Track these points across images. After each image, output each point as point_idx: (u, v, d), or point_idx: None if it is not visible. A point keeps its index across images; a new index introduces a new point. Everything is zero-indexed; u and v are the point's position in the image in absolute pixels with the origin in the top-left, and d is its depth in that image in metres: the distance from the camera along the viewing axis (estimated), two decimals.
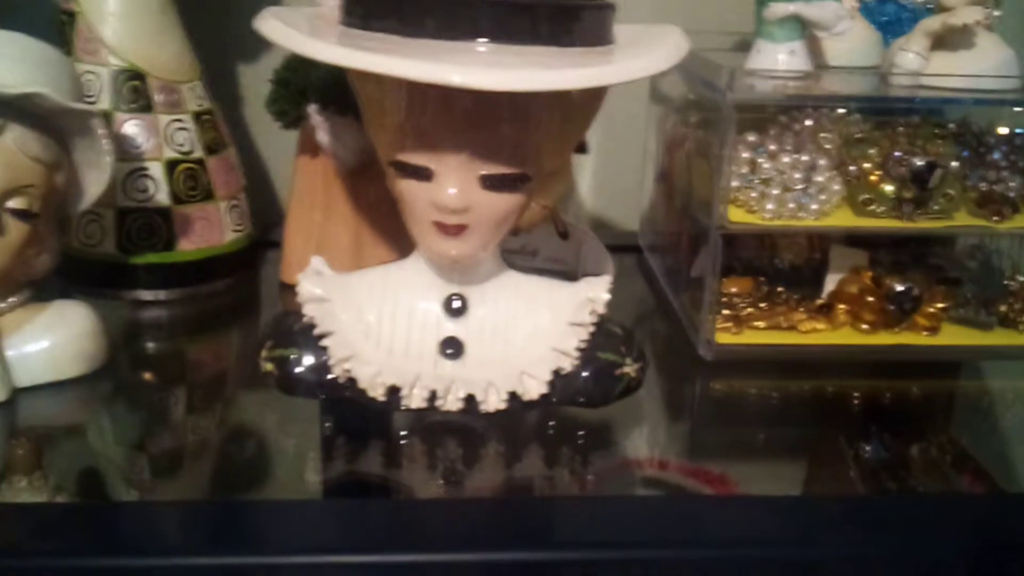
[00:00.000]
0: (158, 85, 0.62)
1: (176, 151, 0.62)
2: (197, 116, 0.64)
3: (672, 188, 0.68)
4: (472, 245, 0.46)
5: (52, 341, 0.50)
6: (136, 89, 0.61)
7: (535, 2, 0.44)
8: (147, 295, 0.63)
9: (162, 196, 0.62)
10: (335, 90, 0.58)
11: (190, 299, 0.64)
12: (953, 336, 0.58)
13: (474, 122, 0.43)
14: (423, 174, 0.44)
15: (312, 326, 0.48)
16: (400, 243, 0.67)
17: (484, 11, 0.42)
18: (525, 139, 0.44)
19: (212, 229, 0.64)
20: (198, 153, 0.64)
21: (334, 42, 0.41)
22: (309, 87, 0.59)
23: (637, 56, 0.43)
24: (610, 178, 0.86)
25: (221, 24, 0.77)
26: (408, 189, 0.45)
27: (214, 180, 0.65)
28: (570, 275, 0.68)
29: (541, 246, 0.69)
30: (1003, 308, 0.59)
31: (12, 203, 0.47)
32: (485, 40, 0.41)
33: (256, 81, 0.78)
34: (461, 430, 0.48)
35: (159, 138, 0.62)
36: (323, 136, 0.62)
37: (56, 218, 0.52)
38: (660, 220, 0.73)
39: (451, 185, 0.43)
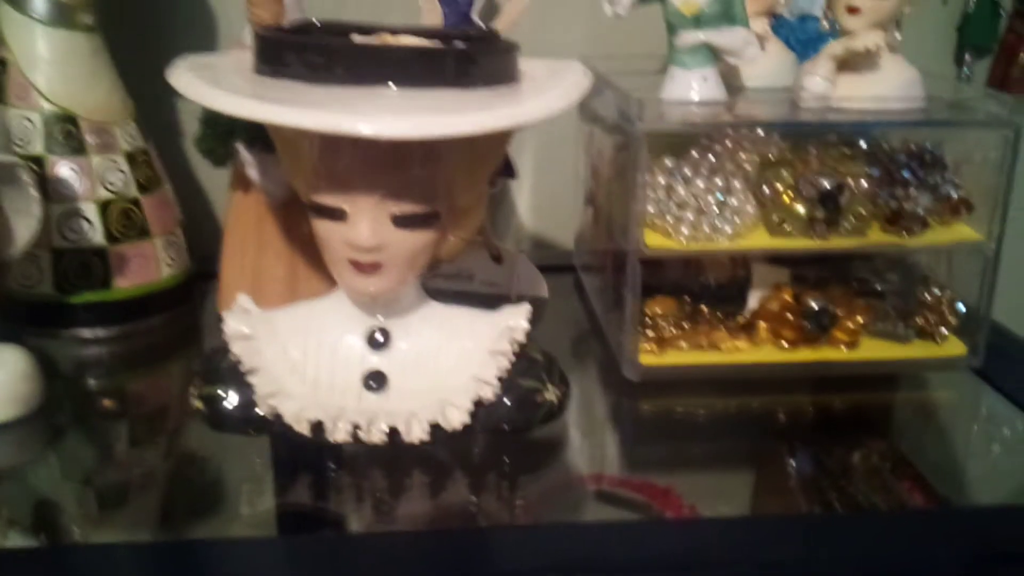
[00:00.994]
0: (90, 127, 0.64)
1: (110, 191, 0.65)
2: (130, 156, 0.67)
3: (598, 210, 0.71)
4: (388, 281, 0.49)
5: None
6: (69, 132, 0.64)
7: (439, 48, 0.47)
8: (86, 333, 0.65)
9: (97, 236, 0.64)
10: (261, 127, 0.61)
11: (129, 335, 0.67)
12: (872, 350, 0.61)
13: (384, 164, 0.45)
14: (337, 214, 0.47)
15: (239, 363, 0.51)
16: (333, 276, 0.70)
17: (389, 58, 0.45)
18: (435, 178, 0.47)
19: (148, 266, 0.67)
20: (132, 192, 0.66)
21: (242, 92, 0.44)
22: (236, 125, 0.62)
23: (535, 97, 0.46)
24: (546, 197, 0.89)
25: (154, 59, 0.80)
26: (324, 229, 0.48)
27: (149, 217, 0.67)
28: (504, 297, 0.72)
29: (476, 269, 0.72)
30: (920, 321, 0.62)
31: None
32: (392, 85, 0.44)
33: (191, 114, 0.81)
34: (389, 461, 0.51)
35: (92, 179, 0.64)
36: (252, 172, 0.64)
37: None
38: (589, 241, 0.76)
39: (364, 225, 0.46)
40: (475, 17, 0.70)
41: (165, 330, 0.69)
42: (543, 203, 0.91)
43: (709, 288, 0.66)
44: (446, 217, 0.48)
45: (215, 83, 0.45)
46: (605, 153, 0.69)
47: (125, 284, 0.66)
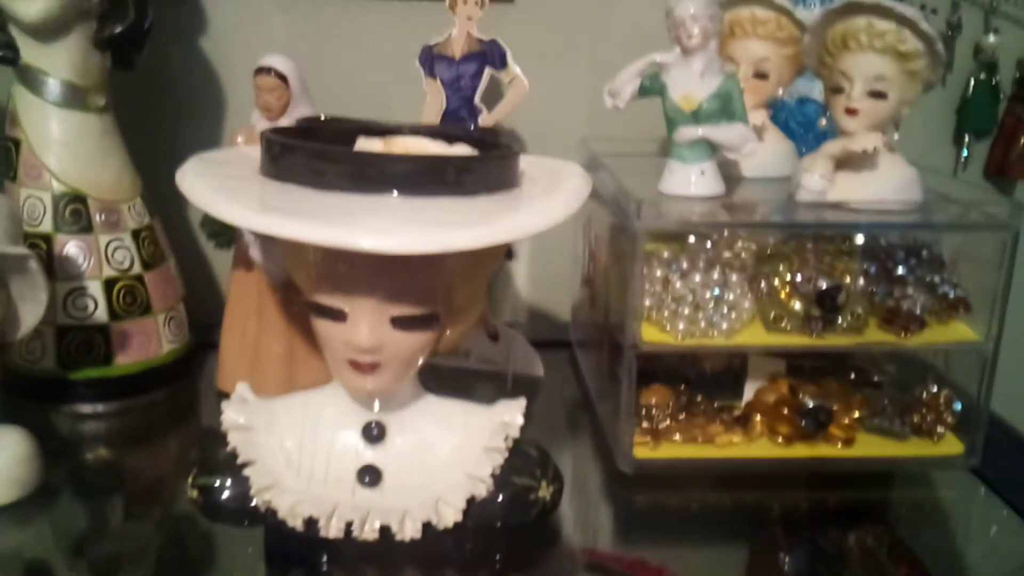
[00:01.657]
0: (98, 206, 0.67)
1: (115, 269, 0.67)
2: (136, 233, 0.69)
3: (595, 295, 0.73)
4: (385, 380, 0.50)
5: None
6: (77, 212, 0.66)
7: (441, 158, 0.50)
8: (86, 408, 0.67)
9: (101, 313, 0.66)
10: None
11: (128, 411, 0.68)
12: (869, 447, 0.62)
13: (384, 268, 0.47)
14: (337, 315, 0.48)
15: (235, 454, 0.53)
16: None
17: (393, 167, 0.47)
18: (433, 282, 0.49)
19: (149, 342, 0.69)
20: (136, 269, 0.68)
21: (246, 201, 0.46)
22: None
23: (537, 208, 0.48)
24: (543, 271, 0.92)
25: (162, 135, 0.84)
26: (324, 328, 0.50)
27: (152, 294, 0.69)
28: (500, 375, 0.73)
29: (473, 347, 0.74)
30: (916, 418, 0.63)
31: None
32: (395, 193, 0.46)
33: None
34: (381, 555, 0.52)
35: (99, 257, 0.66)
36: (255, 253, 0.67)
37: None
38: (585, 322, 0.78)
39: (363, 326, 0.48)
40: (478, 102, 0.73)
41: (164, 404, 0.70)
42: (540, 277, 0.93)
43: (704, 376, 0.67)
44: (445, 317, 0.50)
45: (220, 190, 0.47)
46: (602, 235, 0.71)
47: (126, 360, 0.68)
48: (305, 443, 0.53)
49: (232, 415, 0.53)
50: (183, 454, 0.66)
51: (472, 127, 0.72)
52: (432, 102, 0.73)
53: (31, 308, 0.57)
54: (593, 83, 0.85)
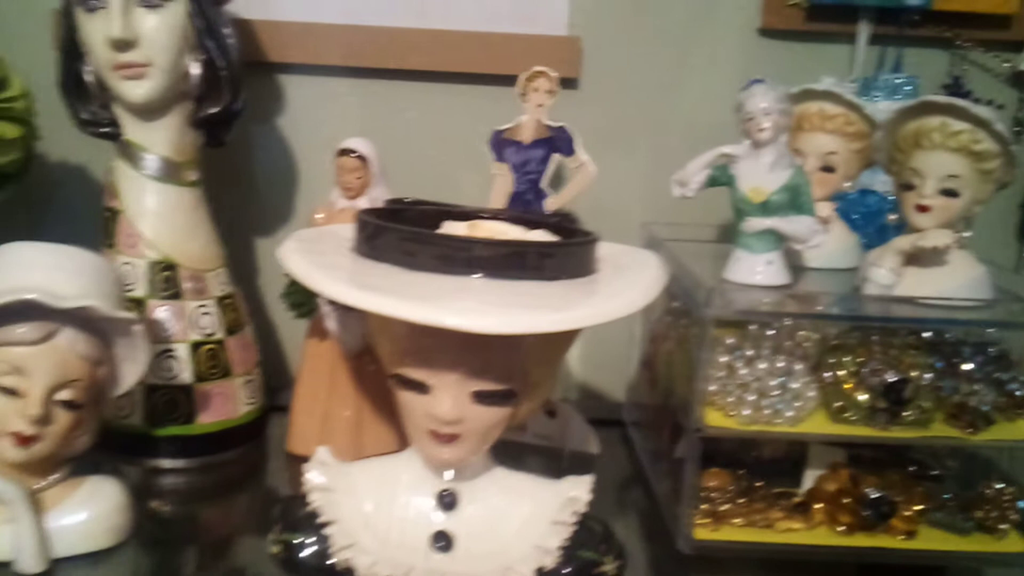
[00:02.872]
0: (187, 274, 0.74)
1: (200, 334, 0.74)
2: (220, 300, 0.76)
3: (655, 377, 0.77)
4: (464, 451, 0.55)
5: (88, 515, 0.60)
6: (168, 279, 0.73)
7: (525, 243, 0.55)
8: (168, 463, 0.73)
9: (186, 375, 0.73)
10: None
11: (206, 468, 0.74)
12: (930, 540, 0.65)
13: (468, 346, 0.52)
14: (421, 388, 0.54)
15: (316, 514, 0.58)
16: (397, 419, 0.76)
17: (479, 251, 0.53)
18: (513, 360, 0.54)
19: (228, 403, 0.75)
20: (219, 335, 0.75)
21: (344, 278, 0.53)
22: None
23: (613, 297, 0.53)
24: (597, 351, 0.95)
25: (245, 210, 0.92)
26: (406, 399, 0.55)
27: (232, 358, 0.75)
28: (556, 450, 0.78)
29: (530, 422, 0.79)
30: (979, 514, 0.66)
31: (61, 395, 0.58)
32: (480, 275, 0.52)
33: (270, 261, 0.92)
34: None
35: (185, 322, 0.73)
36: (331, 324, 0.73)
37: (96, 404, 0.62)
38: (644, 403, 0.82)
39: (446, 399, 0.53)
40: (544, 185, 0.79)
41: (238, 463, 0.76)
42: (593, 357, 0.98)
43: (762, 462, 0.71)
44: (521, 394, 0.55)
45: (320, 266, 0.53)
46: (663, 319, 0.76)
47: (207, 420, 0.74)
48: (382, 506, 0.58)
49: (314, 477, 0.58)
50: (256, 509, 0.72)
51: (546, 212, 0.78)
52: (500, 185, 0.79)
53: (131, 368, 0.63)
54: (652, 170, 0.93)
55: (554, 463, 0.77)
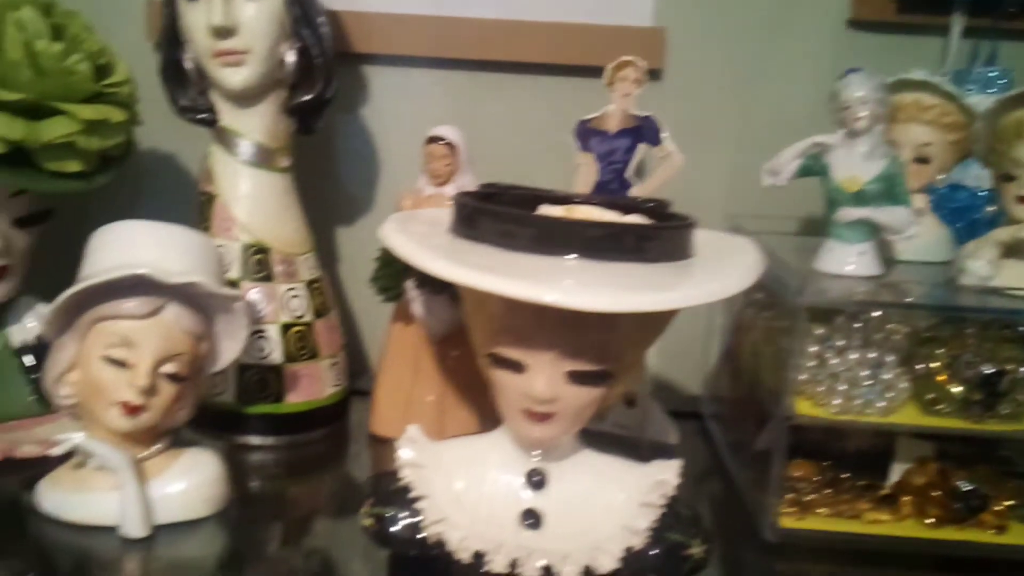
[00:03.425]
0: (278, 258, 0.76)
1: (290, 316, 0.76)
2: (309, 284, 0.78)
3: (739, 369, 0.78)
4: (556, 431, 0.56)
5: (188, 484, 0.63)
6: (261, 262, 0.76)
7: (626, 225, 0.56)
8: (256, 440, 0.76)
9: (276, 355, 0.75)
10: None
11: (292, 446, 0.77)
12: (1021, 535, 0.65)
13: (564, 324, 0.53)
14: (516, 367, 0.55)
15: (408, 488, 0.60)
16: (479, 405, 0.79)
17: (576, 232, 0.54)
18: (609, 341, 0.55)
19: (315, 384, 0.78)
20: (308, 317, 0.77)
21: (447, 256, 0.54)
22: (409, 268, 0.73)
23: (712, 279, 0.54)
24: (673, 343, 0.94)
25: (331, 196, 0.94)
26: (501, 378, 0.56)
27: (319, 341, 0.78)
28: (635, 440, 0.79)
29: (609, 412, 0.80)
30: None
31: (166, 368, 0.60)
32: (578, 256, 0.53)
33: (356, 248, 0.95)
34: None
35: (277, 304, 0.76)
36: (418, 308, 0.75)
37: (196, 379, 0.65)
38: (725, 395, 0.82)
39: (541, 378, 0.54)
40: (629, 175, 0.80)
41: (323, 443, 0.79)
42: (669, 348, 0.97)
43: (847, 454, 0.71)
44: (616, 375, 0.56)
45: (424, 246, 0.55)
46: (747, 311, 0.77)
47: (295, 400, 0.76)
48: (471, 484, 0.59)
49: (406, 453, 0.60)
50: (341, 487, 0.74)
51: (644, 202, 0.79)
52: (584, 175, 0.80)
53: (230, 345, 0.66)
54: (736, 162, 0.94)
55: (633, 453, 0.77)
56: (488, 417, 0.79)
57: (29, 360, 0.75)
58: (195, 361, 0.63)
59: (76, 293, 0.58)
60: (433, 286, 0.72)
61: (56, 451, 0.61)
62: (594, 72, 0.78)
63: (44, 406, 0.73)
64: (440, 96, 0.94)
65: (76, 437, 0.61)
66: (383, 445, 0.78)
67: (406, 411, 0.77)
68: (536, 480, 0.59)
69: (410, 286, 0.73)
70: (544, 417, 0.56)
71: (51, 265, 0.75)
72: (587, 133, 0.81)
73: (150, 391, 0.60)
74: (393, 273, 0.73)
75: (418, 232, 0.59)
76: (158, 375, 0.60)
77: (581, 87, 0.88)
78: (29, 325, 0.75)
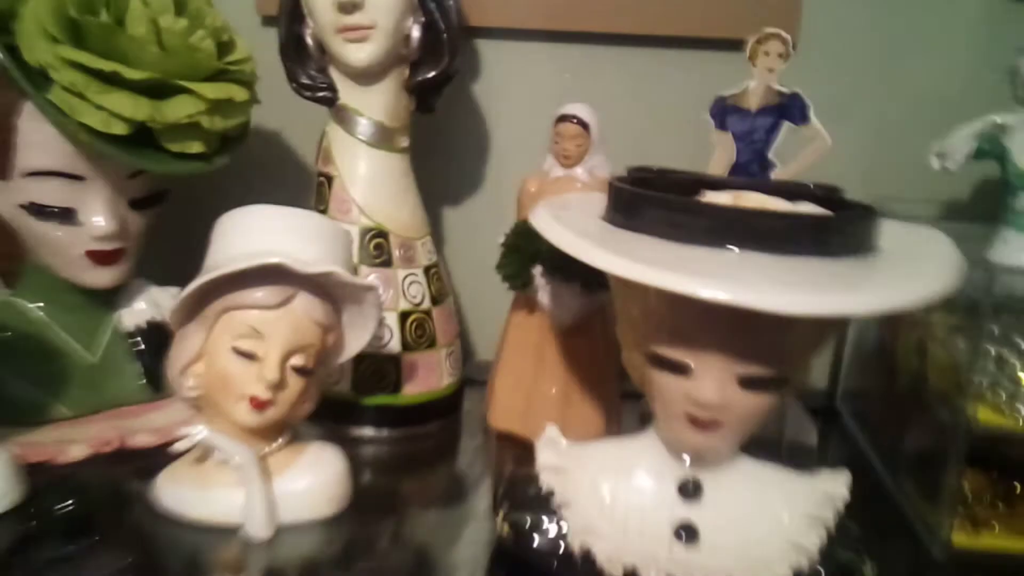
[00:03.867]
0: (398, 242, 0.72)
1: (409, 303, 0.72)
2: (427, 270, 0.74)
3: (894, 367, 0.71)
4: (721, 440, 0.51)
5: (313, 482, 0.59)
6: (380, 246, 0.71)
7: (813, 217, 0.50)
8: (372, 433, 0.72)
9: (394, 344, 0.71)
10: (562, 258, 0.66)
11: (409, 438, 0.73)
12: None
13: (735, 323, 0.48)
14: (680, 368, 0.50)
15: (549, 495, 0.55)
16: (603, 398, 0.74)
17: (757, 223, 0.47)
18: (784, 343, 0.49)
19: (432, 375, 0.73)
20: (426, 304, 0.73)
21: (610, 248, 0.49)
22: (539, 254, 0.67)
23: (912, 278, 0.46)
24: None
25: (447, 180, 0.89)
26: (662, 380, 0.51)
27: (437, 329, 0.74)
28: (773, 441, 0.73)
29: None
30: None
31: (294, 361, 0.57)
32: (754, 250, 0.47)
33: (459, 231, 0.90)
34: None
35: (396, 290, 0.71)
36: (544, 297, 0.70)
37: (321, 371, 0.61)
38: (872, 393, 0.76)
39: (709, 382, 0.49)
40: (771, 156, 0.74)
41: (439, 435, 0.74)
42: None
43: (1017, 463, 0.64)
44: (790, 380, 0.51)
45: (584, 236, 0.50)
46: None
47: (412, 391, 0.72)
48: (619, 492, 0.55)
49: (547, 456, 0.56)
50: (460, 482, 0.69)
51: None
52: (721, 155, 0.74)
53: (357, 336, 0.62)
54: (873, 142, 0.86)
55: (771, 454, 0.72)
56: (612, 412, 0.74)
57: (140, 344, 0.72)
58: (322, 353, 0.59)
59: (208, 282, 0.54)
60: (564, 274, 0.66)
61: (180, 446, 0.57)
62: (722, 46, 0.72)
63: (154, 391, 0.71)
64: (555, 72, 0.87)
65: (201, 431, 0.57)
66: (502, 439, 0.74)
67: (527, 404, 0.73)
68: (690, 490, 0.54)
69: (538, 273, 0.68)
70: (709, 425, 0.50)
71: (157, 248, 0.73)
72: (725, 111, 0.74)
73: (279, 385, 0.56)
74: (521, 260, 0.68)
75: (572, 220, 0.53)
76: (286, 368, 0.56)
77: (708, 60, 0.81)
78: (140, 309, 0.73)
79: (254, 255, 0.55)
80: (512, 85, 0.88)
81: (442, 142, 0.90)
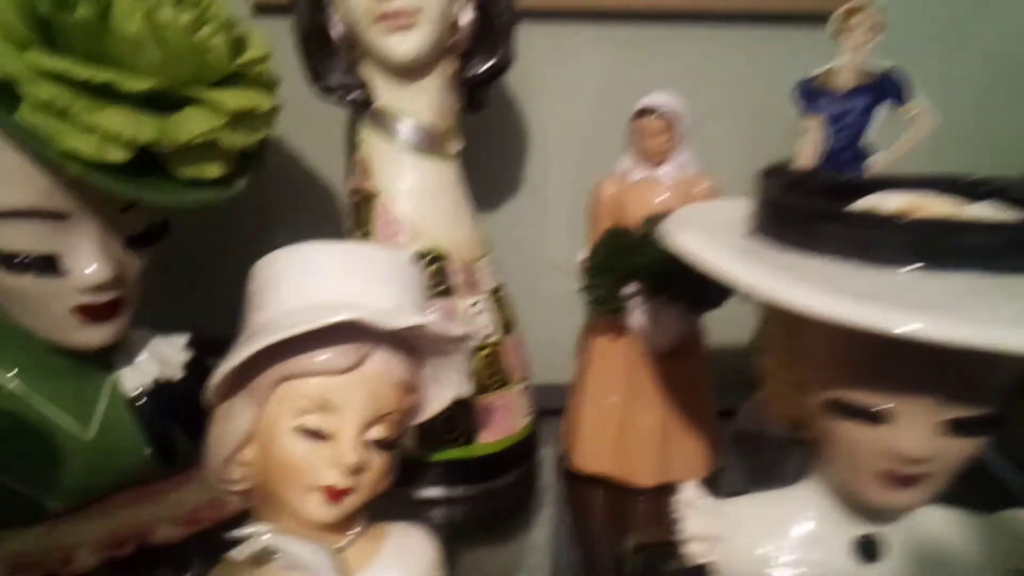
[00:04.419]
0: (457, 266, 0.60)
1: (477, 336, 0.60)
2: (493, 293, 0.62)
3: None
4: (922, 496, 0.41)
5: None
6: (437, 272, 0.60)
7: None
8: (442, 492, 0.61)
9: None
10: (668, 276, 0.56)
11: (487, 495, 0.61)
12: None
13: (944, 359, 0.38)
14: (876, 417, 0.40)
15: (696, 569, 0.45)
16: (706, 427, 0.64)
17: (979, 237, 0.37)
18: (994, 376, 0.40)
19: (508, 416, 0.62)
20: (496, 335, 0.62)
21: (756, 265, 0.38)
22: (634, 272, 0.56)
23: None
24: None
25: (500, 189, 0.78)
26: (848, 431, 0.41)
27: (510, 362, 0.62)
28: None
29: None
30: None
31: (373, 433, 0.44)
32: (975, 271, 0.37)
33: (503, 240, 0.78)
34: None
35: (460, 323, 0.59)
36: (639, 319, 0.59)
37: (402, 438, 0.49)
38: None
39: (914, 431, 0.39)
40: (868, 141, 0.64)
41: (518, 486, 0.63)
42: None
43: None
44: (1002, 417, 0.41)
45: (740, 257, 0.39)
46: None
47: (488, 438, 0.61)
48: (781, 555, 0.45)
49: (696, 523, 0.45)
50: (559, 545, 0.58)
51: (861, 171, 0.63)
52: (809, 143, 0.64)
53: (439, 392, 0.49)
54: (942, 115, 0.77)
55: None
56: (715, 440, 0.64)
57: (145, 410, 0.58)
58: (404, 418, 0.47)
59: (260, 349, 0.42)
60: (669, 294, 0.56)
61: (236, 555, 0.45)
62: (796, 19, 0.62)
63: (167, 466, 0.58)
64: (597, 55, 0.76)
65: (264, 534, 0.44)
66: (591, 484, 0.63)
67: (619, 441, 0.62)
68: (868, 549, 0.44)
69: (630, 293, 0.57)
70: (911, 480, 0.41)
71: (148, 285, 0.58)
72: (813, 93, 0.64)
73: (358, 467, 0.44)
74: (614, 282, 0.56)
75: (716, 238, 0.42)
76: (366, 444, 0.44)
77: (783, 39, 0.70)
78: (143, 367, 0.58)
79: (318, 309, 0.43)
80: (552, 71, 0.76)
81: (475, 140, 0.78)
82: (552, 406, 0.69)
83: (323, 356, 0.43)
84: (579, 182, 0.68)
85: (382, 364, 0.45)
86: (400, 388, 0.46)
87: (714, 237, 0.42)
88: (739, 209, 0.46)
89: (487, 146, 0.77)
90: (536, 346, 0.67)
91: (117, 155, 0.47)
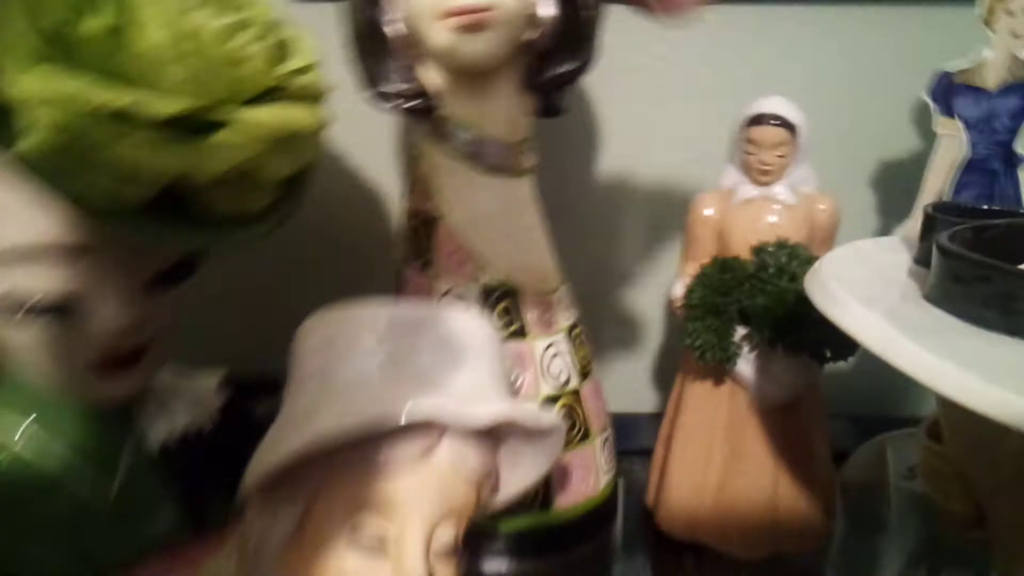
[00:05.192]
0: (531, 301, 0.51)
1: (553, 385, 0.51)
2: (570, 332, 0.53)
3: None
4: None
5: None
6: (508, 309, 0.50)
7: None
8: (512, 567, 0.51)
9: None
10: (783, 320, 0.46)
11: (562, 567, 0.52)
12: None
13: None
14: None
15: None
16: (821, 486, 0.54)
17: None
18: None
19: (589, 476, 0.53)
20: (574, 382, 0.52)
21: (950, 361, 0.28)
22: (744, 313, 0.47)
23: None
24: None
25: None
26: None
27: (589, 412, 0.53)
28: None
29: None
30: None
31: (441, 536, 0.36)
32: None
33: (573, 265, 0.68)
34: None
35: (536, 370, 0.50)
36: (746, 368, 0.49)
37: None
38: None
39: None
40: (1021, 148, 0.53)
41: (598, 556, 0.53)
42: None
43: None
44: None
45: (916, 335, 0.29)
46: None
47: (566, 503, 0.52)
48: None
49: None
50: None
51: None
52: (947, 150, 0.53)
53: (516, 477, 0.41)
54: None
55: None
56: (830, 502, 0.54)
57: (173, 466, 0.48)
58: (475, 513, 0.38)
59: (309, 444, 0.33)
60: (787, 343, 0.46)
61: None
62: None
63: (194, 529, 0.49)
64: (683, 42, 0.64)
65: None
66: (683, 552, 0.54)
67: (720, 504, 0.53)
68: None
69: (741, 339, 0.47)
70: None
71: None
72: (951, 90, 0.53)
73: None
74: (723, 326, 0.47)
75: (887, 309, 0.32)
76: (432, 553, 0.36)
77: (919, 20, 0.59)
78: (170, 416, 0.49)
79: (378, 394, 0.34)
80: (611, 63, 0.64)
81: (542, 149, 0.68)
82: (625, 442, 0.59)
83: (384, 447, 0.35)
84: (665, 195, 0.58)
85: (453, 453, 0.36)
86: (471, 481, 0.37)
87: (883, 308, 0.32)
88: (895, 250, 0.36)
89: (554, 153, 0.66)
90: (605, 373, 0.57)
91: (139, 193, 0.38)
